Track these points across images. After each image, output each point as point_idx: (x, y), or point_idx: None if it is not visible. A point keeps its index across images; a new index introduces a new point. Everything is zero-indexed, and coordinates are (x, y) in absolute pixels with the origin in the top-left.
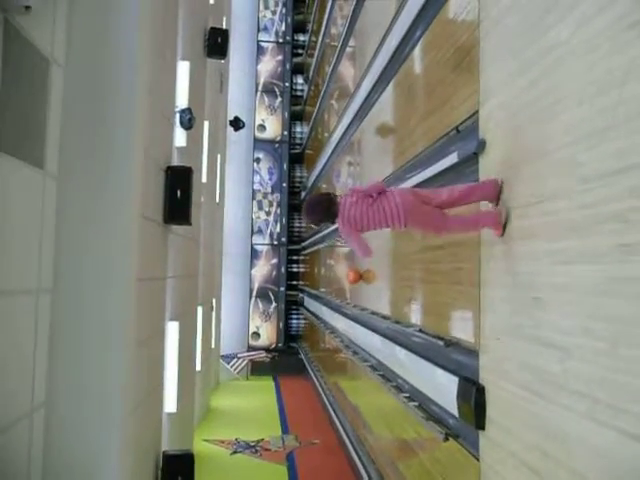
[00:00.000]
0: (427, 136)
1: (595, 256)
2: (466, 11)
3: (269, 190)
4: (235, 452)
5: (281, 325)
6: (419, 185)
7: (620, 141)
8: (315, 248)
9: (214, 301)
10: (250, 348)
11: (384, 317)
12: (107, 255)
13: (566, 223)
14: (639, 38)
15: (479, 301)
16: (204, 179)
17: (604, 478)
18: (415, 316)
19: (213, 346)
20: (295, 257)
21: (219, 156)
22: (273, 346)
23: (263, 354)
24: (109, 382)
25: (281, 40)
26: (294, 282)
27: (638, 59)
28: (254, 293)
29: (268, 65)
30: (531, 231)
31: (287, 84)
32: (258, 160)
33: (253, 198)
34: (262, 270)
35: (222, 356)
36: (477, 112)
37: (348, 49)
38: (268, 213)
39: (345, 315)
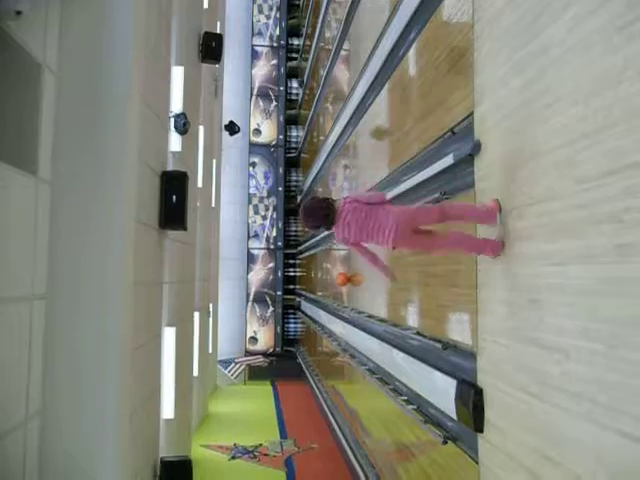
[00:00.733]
0: (422, 138)
1: (591, 257)
2: (460, 12)
3: (265, 194)
4: (233, 457)
5: (278, 329)
6: (414, 188)
7: (615, 141)
8: (312, 252)
9: (211, 306)
10: (247, 353)
11: (381, 320)
12: (101, 260)
13: (562, 224)
14: (632, 38)
15: (476, 303)
16: (200, 184)
17: None
18: (412, 319)
19: (210, 351)
20: (292, 261)
21: (214, 161)
22: (271, 350)
23: (261, 359)
24: (105, 389)
25: (275, 44)
26: (291, 286)
27: (632, 59)
28: (251, 297)
29: (263, 69)
30: (527, 232)
31: (282, 88)
32: (254, 164)
33: (249, 202)
34: (259, 274)
35: (219, 361)
36: (472, 113)
37: (342, 52)
38: (264, 217)
39: (342, 319)
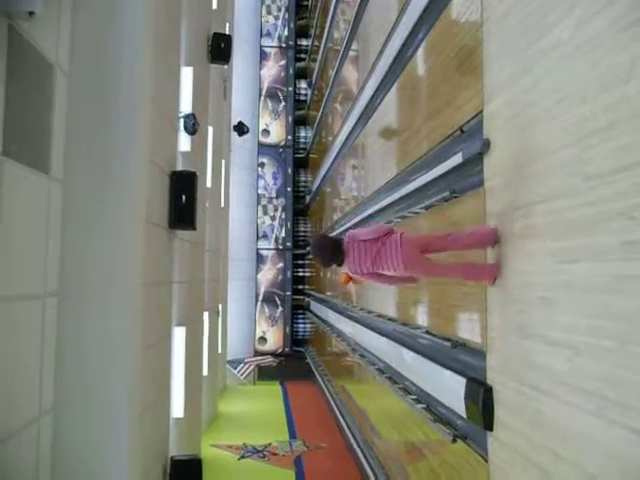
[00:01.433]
0: (431, 137)
1: (600, 254)
2: (469, 11)
3: (274, 195)
4: (243, 457)
5: (287, 330)
6: (423, 187)
7: (624, 138)
8: None
9: (220, 306)
10: (257, 353)
11: (390, 319)
12: (112, 259)
13: (571, 221)
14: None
15: (485, 302)
16: (209, 184)
17: (615, 477)
18: (422, 318)
19: (220, 351)
20: (300, 261)
21: (223, 161)
22: (280, 351)
23: (270, 359)
24: (116, 387)
25: (284, 45)
26: (300, 286)
27: None
28: (260, 298)
29: (271, 70)
30: (536, 230)
31: (290, 89)
32: (262, 165)
33: (258, 203)
34: (268, 275)
35: (229, 361)
36: (481, 112)
37: (351, 52)
38: (273, 218)
39: (351, 318)
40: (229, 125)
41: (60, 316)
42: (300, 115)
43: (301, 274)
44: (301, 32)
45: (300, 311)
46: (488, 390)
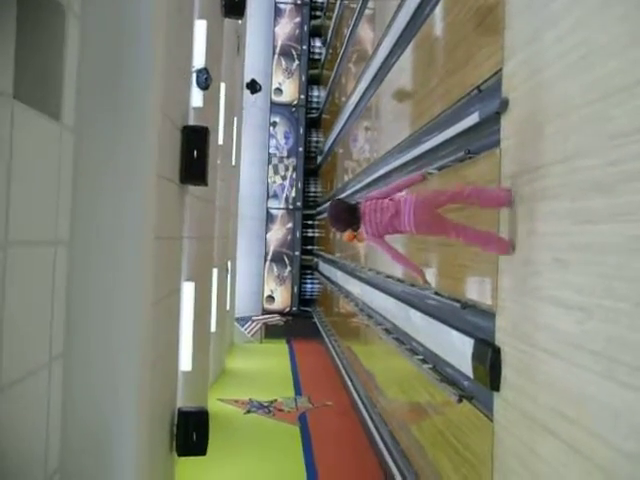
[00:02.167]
0: (447, 97)
1: (620, 215)
2: None
3: (285, 154)
4: (249, 412)
5: (295, 289)
6: (438, 147)
7: None
8: None
9: (229, 263)
10: (264, 311)
11: (399, 280)
12: (124, 211)
13: (591, 181)
14: None
15: (497, 263)
16: (220, 141)
17: (623, 438)
18: (431, 279)
19: (228, 308)
20: (310, 222)
21: (235, 119)
22: (287, 310)
23: (277, 317)
24: (127, 337)
25: (299, 1)
26: (309, 247)
27: None
28: (269, 257)
29: (286, 27)
30: (554, 191)
31: (305, 47)
32: (274, 124)
33: (269, 162)
34: (277, 234)
35: (237, 319)
36: (501, 70)
37: (367, 11)
38: (284, 177)
39: (360, 279)
40: (242, 82)
41: (71, 265)
42: (314, 74)
43: (310, 234)
44: None
45: (308, 271)
46: (496, 351)
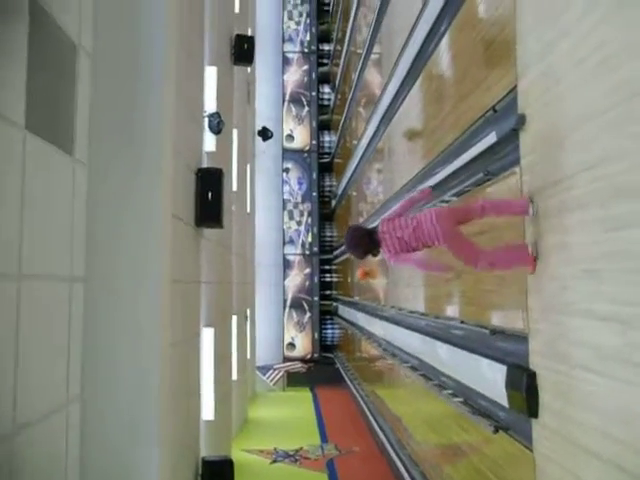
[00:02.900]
0: (460, 123)
1: None
2: None
3: (299, 200)
4: (275, 461)
5: (316, 335)
6: (455, 173)
7: None
8: (346, 256)
9: (248, 311)
10: (285, 359)
11: (422, 314)
12: (140, 251)
13: (621, 186)
14: None
15: (525, 283)
16: (234, 187)
17: None
18: (455, 309)
19: (249, 357)
20: (327, 267)
21: (248, 166)
22: (309, 356)
23: (299, 365)
24: (146, 379)
25: (306, 50)
26: (327, 292)
27: None
28: (288, 303)
29: (294, 75)
30: (580, 200)
31: (314, 93)
32: (287, 170)
33: (284, 208)
34: (295, 280)
35: (258, 367)
36: (515, 87)
37: (374, 51)
38: (299, 223)
39: (381, 318)
40: (253, 130)
41: (87, 304)
42: (324, 120)
43: (328, 279)
44: (323, 37)
45: (328, 316)
46: (531, 375)
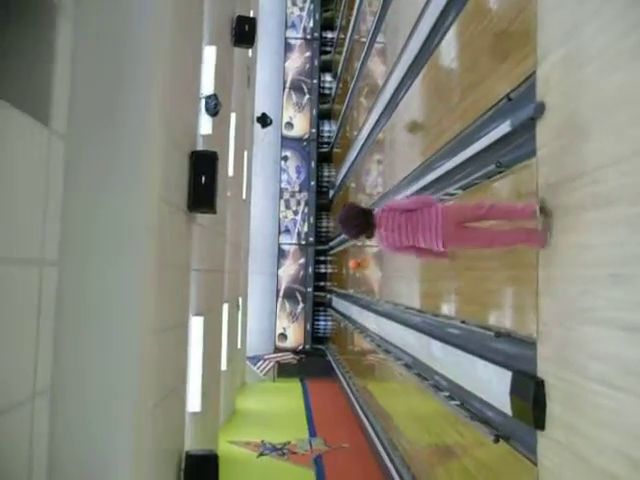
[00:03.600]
0: (471, 111)
1: None
2: None
3: (297, 189)
4: (261, 454)
5: (308, 326)
6: (460, 165)
7: None
8: (342, 247)
9: (240, 300)
10: (277, 349)
11: (420, 311)
12: (120, 233)
13: None
14: None
15: (536, 284)
16: (231, 172)
17: None
18: (456, 307)
19: (239, 346)
20: (322, 257)
21: (246, 152)
22: (300, 348)
23: (290, 356)
24: (120, 373)
25: (309, 37)
26: (321, 283)
27: None
28: (281, 293)
29: (296, 62)
30: (607, 197)
31: (315, 81)
32: (286, 158)
33: (280, 197)
34: (289, 270)
35: (248, 357)
36: (534, 73)
37: (379, 40)
38: (296, 212)
39: (376, 312)
40: (252, 116)
41: (60, 290)
42: (324, 109)
43: (323, 270)
44: (326, 24)
45: (321, 308)
46: (539, 384)
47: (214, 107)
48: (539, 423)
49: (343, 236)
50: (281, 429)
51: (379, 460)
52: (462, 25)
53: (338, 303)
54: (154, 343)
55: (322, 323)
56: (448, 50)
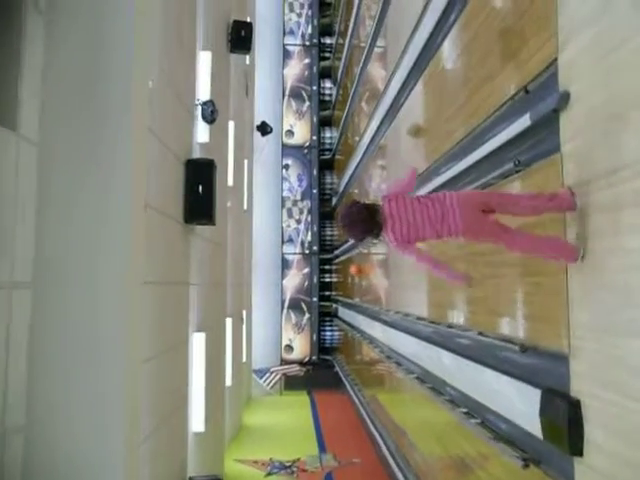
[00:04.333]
0: (484, 108)
1: None
2: None
3: (299, 197)
4: (270, 473)
5: (314, 337)
6: (473, 165)
7: None
8: (347, 256)
9: (244, 312)
10: (283, 362)
11: (432, 322)
12: (101, 250)
13: None
14: None
15: (567, 292)
16: (230, 182)
17: None
18: (473, 317)
19: (244, 360)
20: (327, 267)
21: (246, 161)
22: (307, 359)
23: (297, 368)
24: (107, 403)
25: (308, 43)
26: (327, 292)
27: None
28: (286, 304)
29: (295, 69)
30: None
31: (315, 88)
32: (287, 166)
33: (282, 206)
34: (294, 280)
35: (254, 370)
36: (555, 60)
37: (379, 41)
38: (298, 221)
39: (384, 323)
40: (252, 125)
41: (35, 315)
42: (325, 115)
43: (328, 280)
44: (325, 30)
45: (327, 318)
46: (574, 404)
47: (211, 114)
48: (575, 449)
49: (348, 244)
50: (289, 445)
51: (392, 475)
52: (469, 17)
53: (344, 313)
54: (144, 371)
55: (328, 333)
56: (455, 44)
